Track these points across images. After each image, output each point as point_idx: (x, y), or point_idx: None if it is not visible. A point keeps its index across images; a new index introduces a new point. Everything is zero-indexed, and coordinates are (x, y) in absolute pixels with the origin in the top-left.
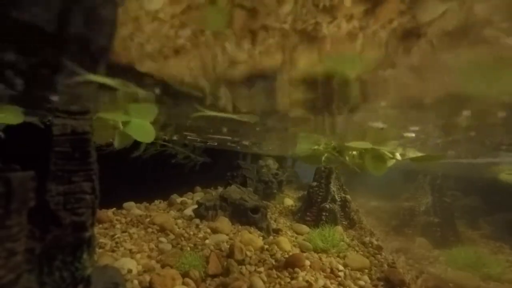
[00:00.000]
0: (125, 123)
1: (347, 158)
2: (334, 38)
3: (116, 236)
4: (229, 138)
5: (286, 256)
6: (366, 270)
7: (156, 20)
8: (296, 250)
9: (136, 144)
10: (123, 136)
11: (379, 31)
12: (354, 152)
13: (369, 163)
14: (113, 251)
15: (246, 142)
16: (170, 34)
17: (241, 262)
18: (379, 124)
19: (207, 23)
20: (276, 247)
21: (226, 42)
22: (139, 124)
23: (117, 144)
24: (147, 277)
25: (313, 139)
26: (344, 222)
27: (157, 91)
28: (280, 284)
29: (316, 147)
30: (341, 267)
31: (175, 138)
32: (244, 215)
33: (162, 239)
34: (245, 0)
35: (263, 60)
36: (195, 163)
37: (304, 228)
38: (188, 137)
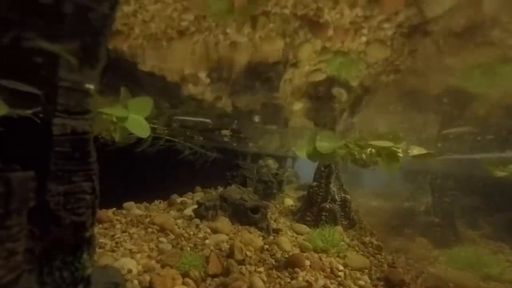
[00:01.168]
0: (123, 119)
1: (364, 156)
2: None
3: (116, 236)
4: (208, 121)
5: (286, 256)
6: (366, 270)
7: (159, 2)
8: (296, 250)
9: (137, 141)
10: (123, 131)
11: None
12: (373, 150)
13: (385, 161)
14: (113, 251)
15: (226, 132)
16: (173, 16)
17: (241, 262)
18: None
19: (209, 7)
20: (276, 247)
21: (227, 28)
22: (137, 120)
23: (117, 138)
24: (147, 277)
25: (334, 137)
26: (344, 222)
27: None
28: (280, 284)
29: (340, 144)
30: (341, 267)
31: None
32: (244, 215)
33: (162, 239)
34: None
35: (263, 46)
36: (205, 161)
37: (304, 228)
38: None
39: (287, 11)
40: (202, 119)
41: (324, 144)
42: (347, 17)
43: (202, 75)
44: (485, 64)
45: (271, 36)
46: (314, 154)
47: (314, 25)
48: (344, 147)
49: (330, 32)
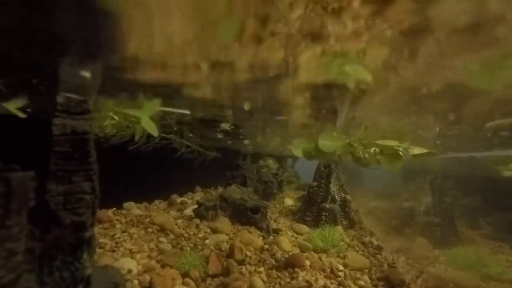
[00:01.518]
0: (138, 119)
1: (367, 155)
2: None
3: (116, 236)
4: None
5: (286, 256)
6: (366, 270)
7: (169, 44)
8: (296, 250)
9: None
10: (140, 130)
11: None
12: (376, 149)
13: (388, 159)
14: (113, 251)
15: (226, 126)
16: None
17: (241, 262)
18: None
19: (219, 36)
20: (276, 247)
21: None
22: (148, 120)
23: (137, 136)
24: (147, 277)
25: (337, 135)
26: (344, 222)
27: None
28: (280, 284)
29: (343, 143)
30: (341, 267)
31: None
32: (244, 215)
33: (162, 239)
34: (260, 8)
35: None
36: (204, 160)
37: (304, 228)
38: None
39: (293, 31)
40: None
41: (327, 142)
42: (350, 28)
43: (204, 66)
44: (488, 59)
45: (273, 47)
46: (311, 153)
47: (316, 36)
48: (347, 145)
49: (332, 41)
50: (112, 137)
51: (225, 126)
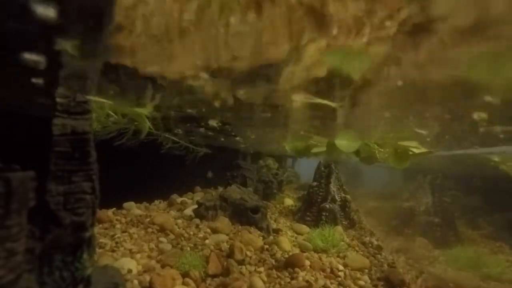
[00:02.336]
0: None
1: (381, 154)
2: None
3: (116, 236)
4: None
5: (286, 256)
6: (366, 270)
7: None
8: (296, 250)
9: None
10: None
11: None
12: (388, 149)
13: (397, 158)
14: (113, 251)
15: (214, 123)
16: (174, 8)
17: (241, 262)
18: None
19: None
20: (276, 247)
21: (231, 16)
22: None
23: (144, 134)
24: (147, 277)
25: (352, 136)
26: (344, 222)
27: None
28: (280, 284)
29: (361, 143)
30: (341, 267)
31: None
32: (244, 215)
33: (162, 239)
34: None
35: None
36: (194, 157)
37: (304, 228)
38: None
39: None
40: None
41: (345, 142)
42: (351, 9)
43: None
44: (492, 53)
45: (277, 41)
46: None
47: (319, 18)
48: (363, 145)
49: (335, 31)
50: (98, 132)
51: (212, 123)
